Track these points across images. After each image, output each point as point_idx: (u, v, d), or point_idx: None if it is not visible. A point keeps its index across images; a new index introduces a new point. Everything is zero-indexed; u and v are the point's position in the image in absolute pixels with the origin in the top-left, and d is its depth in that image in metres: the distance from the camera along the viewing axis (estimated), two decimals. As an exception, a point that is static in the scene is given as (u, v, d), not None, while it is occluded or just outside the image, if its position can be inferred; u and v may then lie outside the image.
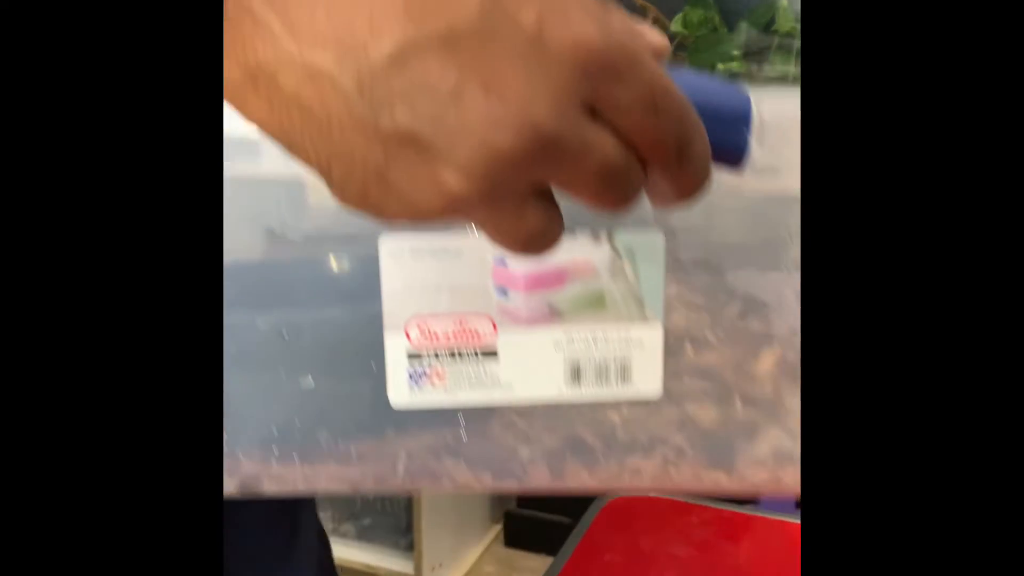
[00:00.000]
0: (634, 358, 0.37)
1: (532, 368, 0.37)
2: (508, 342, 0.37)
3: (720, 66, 1.52)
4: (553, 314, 0.37)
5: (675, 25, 1.51)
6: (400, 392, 0.37)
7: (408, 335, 0.37)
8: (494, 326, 0.37)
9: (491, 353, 0.37)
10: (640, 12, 1.58)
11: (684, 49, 1.55)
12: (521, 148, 0.24)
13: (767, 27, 1.50)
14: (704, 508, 0.89)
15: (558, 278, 0.37)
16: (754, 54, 1.53)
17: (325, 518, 1.74)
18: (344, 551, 1.70)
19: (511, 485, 0.39)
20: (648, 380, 0.37)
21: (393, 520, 1.69)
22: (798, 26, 1.47)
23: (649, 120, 0.26)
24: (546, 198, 0.27)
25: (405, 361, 0.37)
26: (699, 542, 0.84)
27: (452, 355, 0.37)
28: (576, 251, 0.36)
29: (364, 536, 1.72)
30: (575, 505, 1.81)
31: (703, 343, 0.38)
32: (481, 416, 0.38)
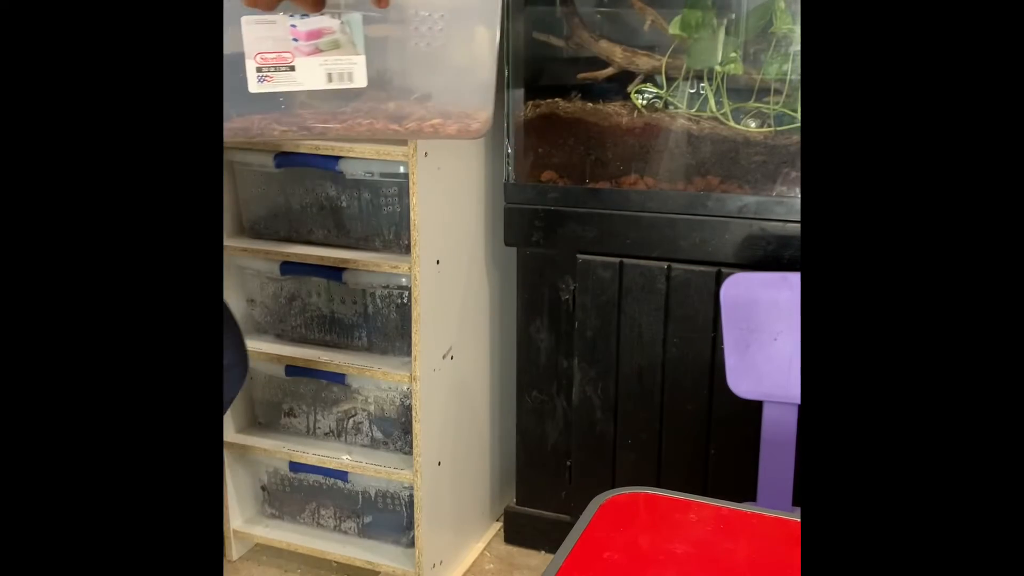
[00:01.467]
0: (354, 70, 0.79)
1: (311, 74, 0.79)
2: (300, 63, 0.79)
3: (718, 68, 1.53)
4: (319, 50, 0.79)
5: (673, 27, 1.52)
6: (254, 85, 0.79)
7: (255, 60, 0.78)
8: (293, 56, 0.79)
9: (292, 68, 0.79)
10: (638, 15, 1.58)
11: (683, 52, 1.56)
12: None
13: (765, 29, 1.51)
14: (702, 505, 0.90)
15: (320, 32, 0.78)
16: (752, 55, 1.54)
17: (327, 516, 1.75)
18: (345, 548, 1.71)
19: (305, 134, 0.83)
20: (360, 79, 0.80)
21: (394, 518, 1.70)
22: (796, 27, 1.48)
23: None
24: None
25: (255, 71, 0.78)
26: (697, 539, 0.85)
27: (275, 68, 0.79)
28: (326, 22, 0.78)
29: (365, 534, 1.73)
30: (575, 503, 1.82)
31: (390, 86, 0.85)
32: (289, 101, 0.81)
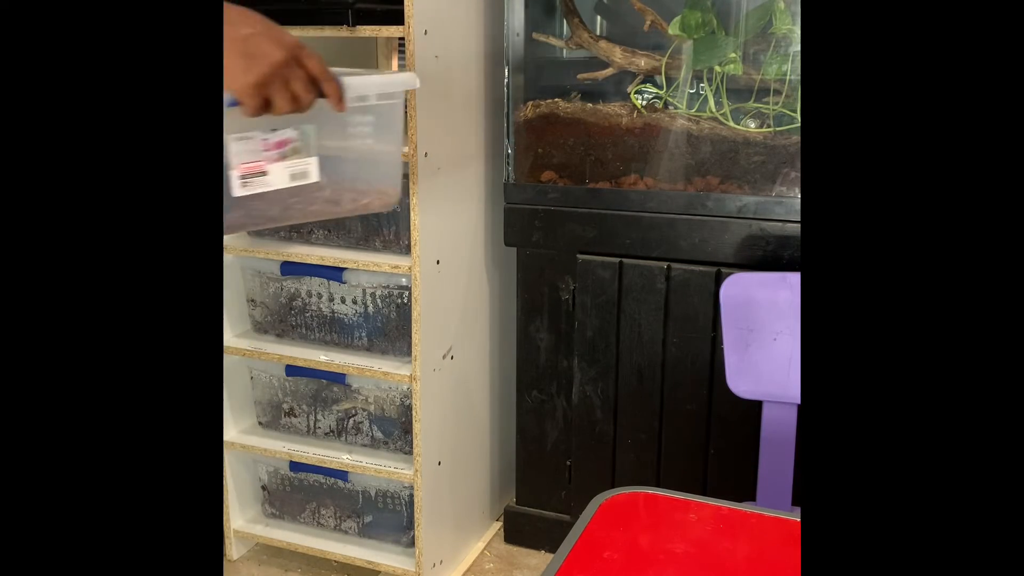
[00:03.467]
0: (309, 169, 1.04)
1: (279, 176, 1.02)
2: (271, 169, 1.01)
3: (718, 68, 1.53)
4: (284, 157, 1.02)
5: (673, 28, 1.52)
6: (238, 190, 1.00)
7: (238, 169, 0.99)
8: (265, 164, 1.01)
9: (265, 173, 1.01)
10: (638, 16, 1.58)
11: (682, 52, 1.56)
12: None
13: (765, 29, 1.51)
14: (702, 505, 0.90)
15: (285, 143, 1.02)
16: (752, 56, 1.54)
17: (327, 516, 1.75)
18: (346, 548, 1.71)
19: (270, 223, 1.10)
20: (314, 176, 1.05)
21: (394, 517, 1.70)
22: (796, 27, 1.48)
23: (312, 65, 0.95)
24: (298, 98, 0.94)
25: (238, 179, 0.99)
26: (697, 539, 0.85)
27: (253, 175, 1.00)
28: (289, 133, 1.02)
29: (366, 533, 1.74)
30: (575, 503, 1.82)
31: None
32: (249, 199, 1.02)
